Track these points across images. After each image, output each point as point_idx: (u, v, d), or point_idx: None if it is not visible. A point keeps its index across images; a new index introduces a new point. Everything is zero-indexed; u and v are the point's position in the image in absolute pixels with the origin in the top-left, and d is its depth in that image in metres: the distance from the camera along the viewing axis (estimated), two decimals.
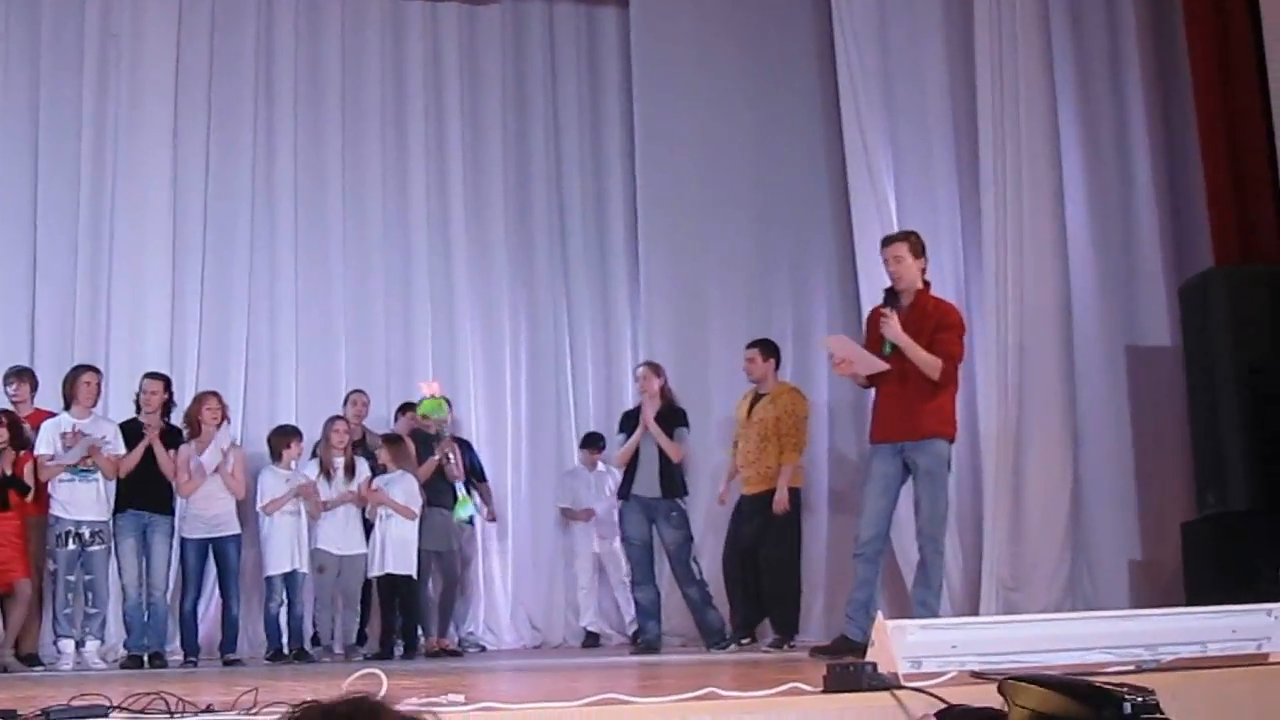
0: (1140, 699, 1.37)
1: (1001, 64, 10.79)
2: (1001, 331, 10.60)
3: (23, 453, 10.53)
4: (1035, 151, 10.73)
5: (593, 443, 12.68)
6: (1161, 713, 1.37)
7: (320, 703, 1.56)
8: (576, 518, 12.61)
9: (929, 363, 8.27)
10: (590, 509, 12.32)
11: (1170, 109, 11.36)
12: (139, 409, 11.01)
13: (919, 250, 8.57)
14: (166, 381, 11.14)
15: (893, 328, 8.33)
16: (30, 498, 10.49)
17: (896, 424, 8.43)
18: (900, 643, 4.53)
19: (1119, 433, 11.11)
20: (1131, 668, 4.70)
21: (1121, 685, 1.38)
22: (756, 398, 10.74)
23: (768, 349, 10.89)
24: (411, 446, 11.53)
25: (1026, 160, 10.70)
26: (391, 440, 11.56)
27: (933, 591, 8.40)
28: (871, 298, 11.45)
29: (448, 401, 11.95)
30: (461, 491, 11.48)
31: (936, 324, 8.40)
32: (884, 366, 8.43)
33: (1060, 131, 10.98)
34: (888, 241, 8.76)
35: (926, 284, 8.64)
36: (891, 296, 8.51)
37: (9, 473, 10.31)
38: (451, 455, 11.59)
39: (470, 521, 11.92)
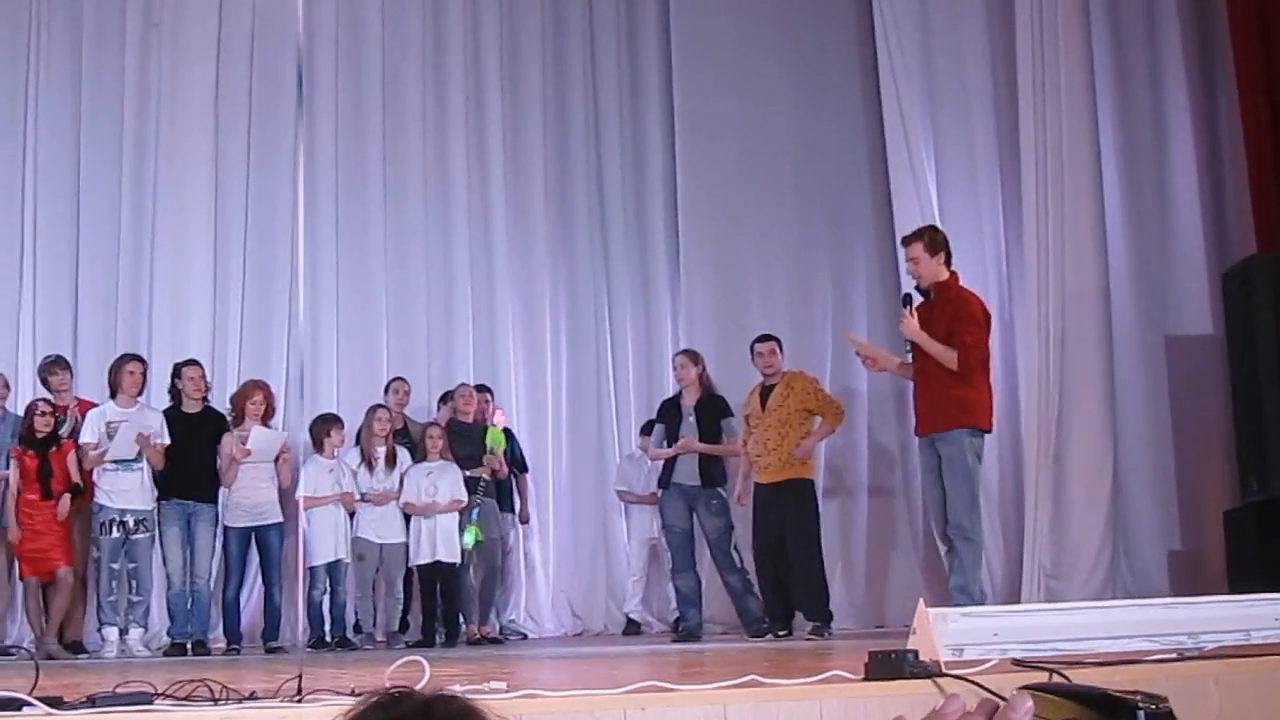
0: (1155, 706, 1.36)
1: (1042, 49, 10.75)
2: (1042, 320, 10.57)
3: (65, 441, 10.61)
4: (1075, 137, 10.69)
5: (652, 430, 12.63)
6: (1175, 719, 1.37)
7: (413, 691, 1.57)
8: (636, 500, 12.49)
9: (945, 356, 8.52)
10: (654, 493, 12.20)
11: (1211, 95, 11.32)
12: (176, 398, 11.02)
13: (936, 246, 8.81)
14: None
15: (909, 326, 8.65)
16: (77, 478, 10.59)
17: (925, 417, 8.77)
18: (942, 630, 4.53)
19: (1159, 420, 11.08)
20: (1174, 655, 4.69)
21: (1135, 692, 1.38)
22: (767, 389, 10.71)
23: (779, 341, 10.86)
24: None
25: (1067, 146, 10.66)
26: (448, 430, 11.59)
27: (969, 579, 8.46)
28: (912, 288, 11.47)
29: (507, 433, 12.00)
30: (471, 518, 11.39)
31: (954, 315, 8.62)
32: (896, 361, 8.92)
33: (1100, 118, 10.94)
34: (904, 242, 9.04)
35: (953, 275, 8.85)
36: (906, 299, 8.82)
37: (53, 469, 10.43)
38: (486, 480, 11.54)
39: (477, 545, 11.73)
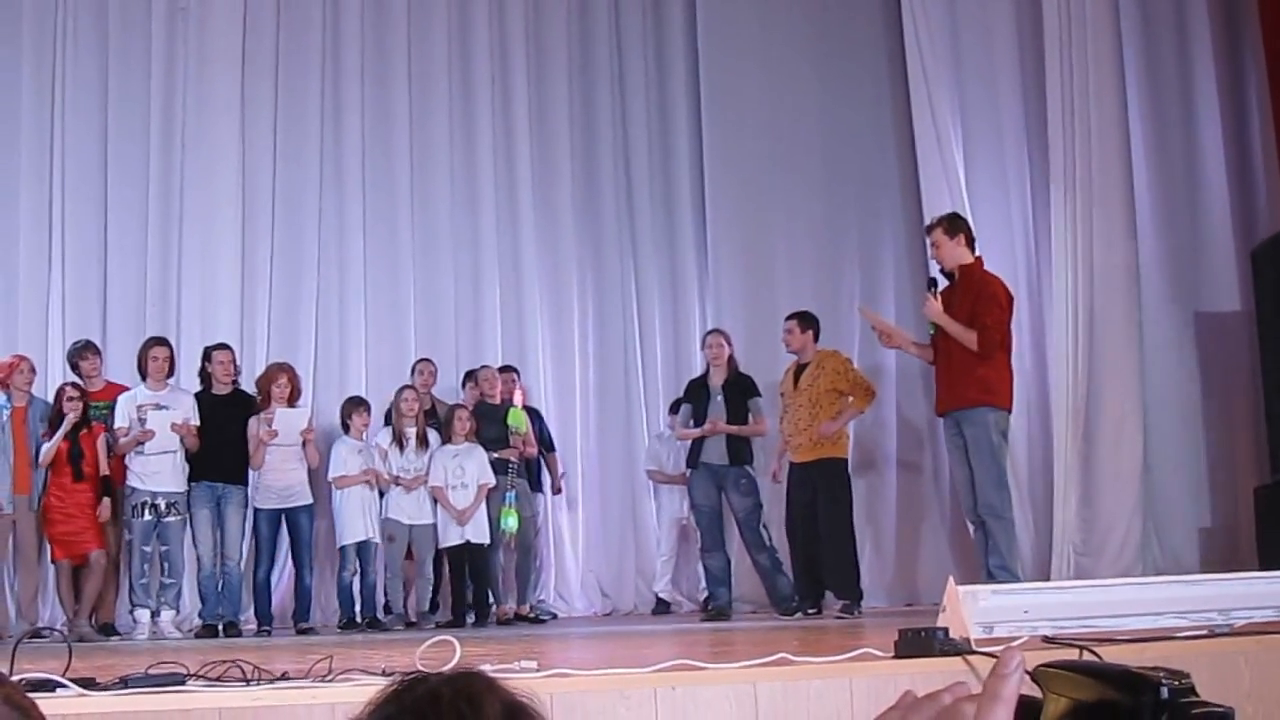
0: (1177, 683, 1.36)
1: (1070, 29, 10.72)
2: (1071, 299, 10.57)
3: (94, 424, 10.65)
4: (1103, 116, 10.67)
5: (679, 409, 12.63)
6: (1197, 695, 1.37)
7: (427, 676, 1.57)
8: (667, 480, 12.49)
9: (966, 336, 8.63)
10: (684, 472, 12.17)
11: (1240, 72, 11.27)
12: (206, 382, 11.06)
13: (955, 229, 8.97)
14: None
15: (932, 308, 8.85)
16: (106, 470, 10.64)
17: (947, 396, 8.90)
18: (972, 608, 4.54)
19: (1188, 398, 11.06)
20: (1204, 633, 4.69)
21: (1157, 669, 1.38)
22: (800, 368, 10.71)
23: (806, 320, 10.82)
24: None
25: (1095, 125, 10.64)
26: (478, 412, 11.60)
27: (1007, 557, 8.54)
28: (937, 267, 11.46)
29: (533, 412, 12.05)
30: (508, 502, 11.40)
31: (975, 297, 8.75)
32: (911, 339, 9.22)
33: (1128, 96, 10.92)
34: (927, 230, 9.19)
35: (978, 259, 8.98)
36: (931, 282, 9.03)
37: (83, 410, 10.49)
38: (514, 462, 11.55)
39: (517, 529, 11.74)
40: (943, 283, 9.03)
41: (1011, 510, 8.88)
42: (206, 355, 11.09)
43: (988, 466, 8.62)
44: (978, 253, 9.02)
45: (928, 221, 9.40)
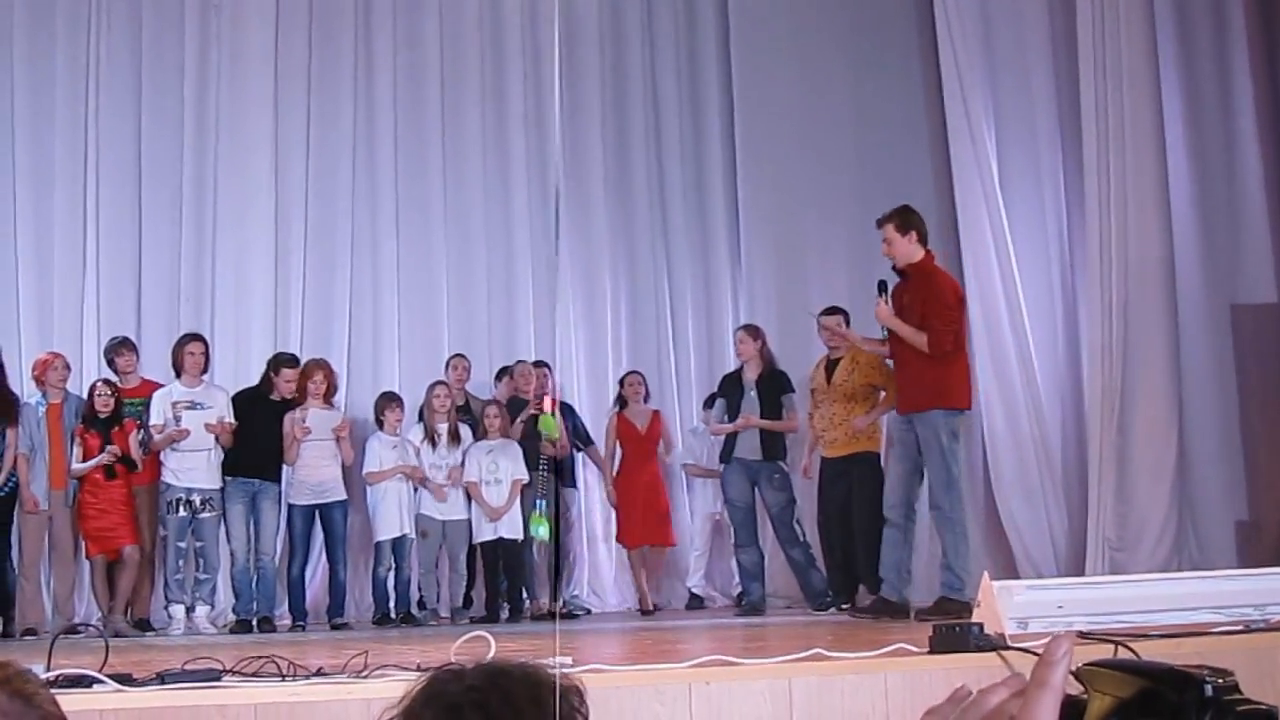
0: (1221, 680, 1.36)
1: (1104, 16, 10.66)
2: (1105, 290, 10.50)
3: (126, 420, 10.70)
4: (1138, 105, 10.60)
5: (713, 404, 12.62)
6: (1241, 693, 1.36)
7: (499, 663, 1.63)
8: (703, 474, 12.48)
9: (915, 339, 8.63)
10: (718, 467, 12.09)
11: (1276, 59, 11.19)
12: (268, 386, 11.09)
13: (907, 226, 8.88)
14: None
15: (881, 312, 8.84)
16: (140, 467, 10.69)
17: (903, 397, 8.93)
18: (1007, 603, 4.53)
19: (1224, 390, 11.00)
20: (1240, 628, 4.67)
21: (1201, 667, 1.37)
22: (831, 363, 10.70)
23: (845, 316, 10.83)
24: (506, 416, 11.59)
25: (1129, 114, 10.58)
26: (508, 407, 11.62)
27: (953, 559, 8.61)
28: (972, 255, 11.42)
29: (567, 407, 12.08)
30: (539, 509, 11.39)
31: (925, 297, 8.72)
32: (860, 337, 9.43)
33: (1163, 84, 10.84)
34: (878, 224, 9.04)
35: (929, 254, 8.94)
36: (881, 285, 8.93)
37: (120, 453, 10.52)
38: (545, 462, 11.55)
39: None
40: (894, 281, 9.00)
41: (961, 511, 8.78)
42: (276, 367, 11.12)
43: (938, 469, 8.64)
44: (929, 248, 8.98)
45: (878, 216, 9.27)
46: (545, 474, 11.43)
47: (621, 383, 12.17)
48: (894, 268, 8.91)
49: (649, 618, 11.28)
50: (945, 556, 8.58)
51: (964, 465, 9.01)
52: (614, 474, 11.94)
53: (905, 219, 8.89)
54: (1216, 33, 11.33)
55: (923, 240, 8.90)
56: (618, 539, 12.05)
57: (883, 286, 8.91)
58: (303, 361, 11.39)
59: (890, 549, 8.78)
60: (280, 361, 11.20)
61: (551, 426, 11.43)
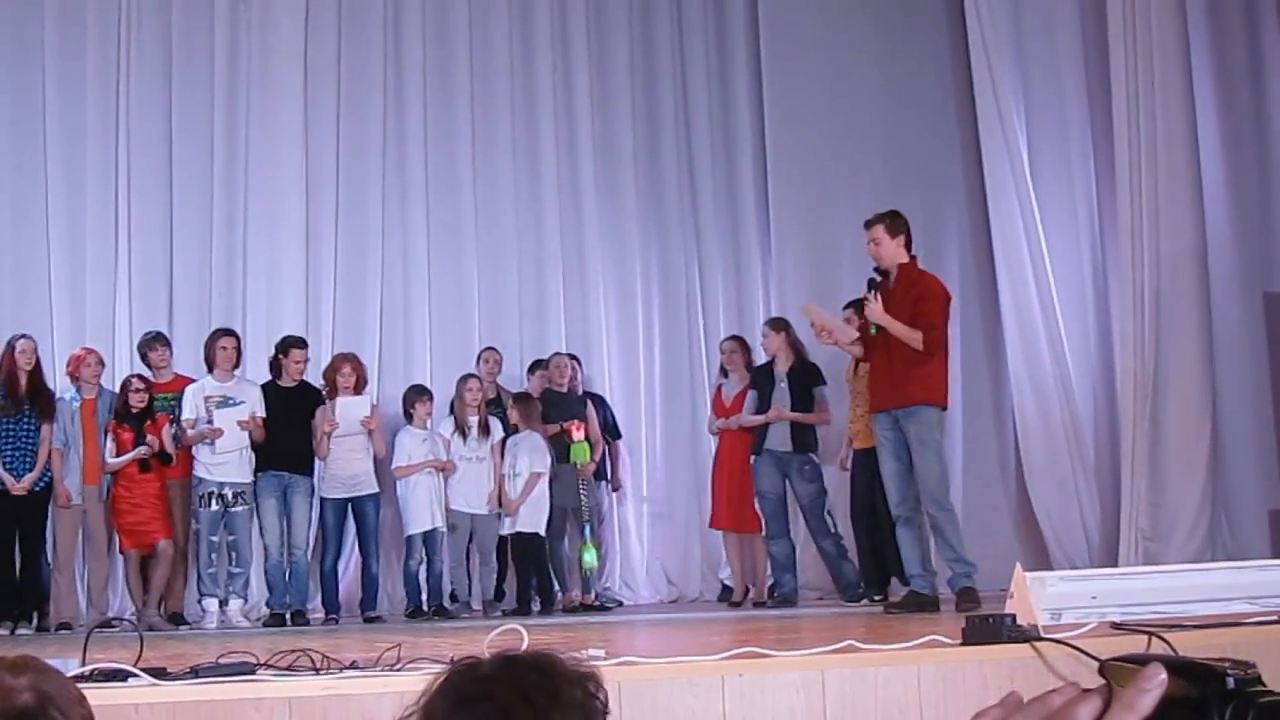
0: (1244, 673, 1.36)
1: (1134, 4, 10.62)
2: (1137, 280, 10.47)
3: (159, 415, 10.74)
4: (1169, 94, 10.56)
5: None
6: (1264, 685, 1.36)
7: (480, 661, 1.63)
8: None
9: (911, 336, 8.62)
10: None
11: None
12: (275, 371, 11.15)
13: (897, 229, 8.93)
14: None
15: (873, 309, 8.80)
16: (174, 460, 10.74)
17: (887, 394, 8.85)
18: (1040, 594, 4.52)
19: (1259, 379, 10.96)
20: (1274, 618, 4.65)
21: (1223, 660, 1.37)
22: None
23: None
24: (539, 406, 11.60)
25: (1160, 103, 10.54)
26: (521, 399, 11.63)
27: (957, 547, 8.63)
28: (1004, 245, 11.41)
29: (598, 399, 12.16)
30: (584, 537, 11.44)
31: (917, 297, 8.75)
32: (854, 334, 9.21)
33: (1195, 73, 10.80)
34: (866, 225, 9.07)
35: (913, 258, 8.99)
36: (871, 283, 8.95)
37: (158, 448, 10.57)
38: (584, 499, 11.60)
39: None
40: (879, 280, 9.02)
41: (952, 502, 8.93)
42: (284, 349, 11.16)
43: (932, 464, 8.65)
44: (914, 252, 9.03)
45: (868, 217, 9.27)
46: (585, 498, 11.48)
47: (721, 349, 11.95)
48: (876, 268, 8.96)
49: (736, 609, 11.21)
50: (952, 550, 8.57)
51: None
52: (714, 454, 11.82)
53: (895, 222, 8.97)
54: (1248, 21, 11.29)
55: (908, 244, 8.97)
56: (710, 523, 11.94)
57: (872, 284, 8.96)
58: (332, 355, 11.44)
59: (910, 546, 8.77)
60: (289, 343, 11.20)
61: (583, 454, 11.48)
